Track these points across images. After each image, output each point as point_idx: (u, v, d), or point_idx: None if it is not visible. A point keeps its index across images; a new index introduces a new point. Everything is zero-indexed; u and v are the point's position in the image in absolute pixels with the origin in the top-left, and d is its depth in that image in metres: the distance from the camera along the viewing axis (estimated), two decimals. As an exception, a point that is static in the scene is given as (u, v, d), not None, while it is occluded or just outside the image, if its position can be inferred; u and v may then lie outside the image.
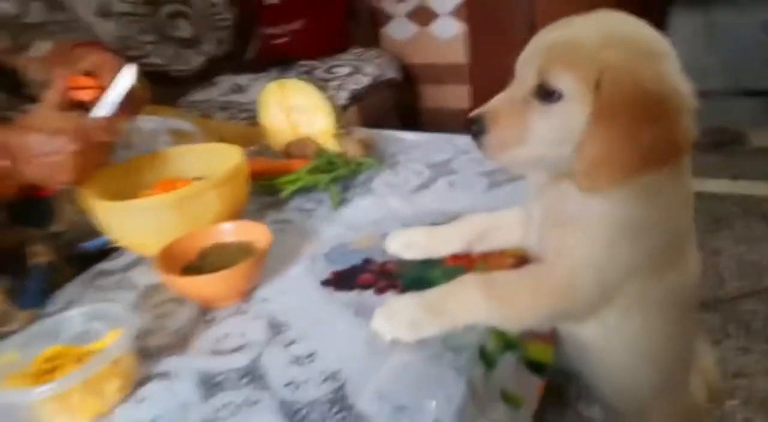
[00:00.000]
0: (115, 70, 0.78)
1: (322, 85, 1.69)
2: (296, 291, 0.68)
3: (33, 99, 0.99)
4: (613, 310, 0.60)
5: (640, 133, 0.48)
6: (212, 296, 0.66)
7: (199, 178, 0.83)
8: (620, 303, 0.60)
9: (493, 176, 0.87)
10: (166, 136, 1.01)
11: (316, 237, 0.79)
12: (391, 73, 2.22)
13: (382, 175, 0.94)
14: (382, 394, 0.51)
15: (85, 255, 0.85)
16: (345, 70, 2.11)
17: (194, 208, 0.73)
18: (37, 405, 0.51)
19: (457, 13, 2.41)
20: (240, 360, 0.58)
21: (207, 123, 1.24)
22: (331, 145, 0.99)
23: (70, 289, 0.77)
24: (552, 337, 0.65)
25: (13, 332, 0.68)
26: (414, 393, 0.51)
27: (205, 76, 2.21)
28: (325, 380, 0.54)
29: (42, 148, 0.69)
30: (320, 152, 0.97)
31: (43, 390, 0.50)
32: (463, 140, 1.02)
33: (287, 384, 0.54)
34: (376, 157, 0.98)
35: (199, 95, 2.09)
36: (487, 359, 0.56)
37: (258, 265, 0.68)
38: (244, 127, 1.51)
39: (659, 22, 2.24)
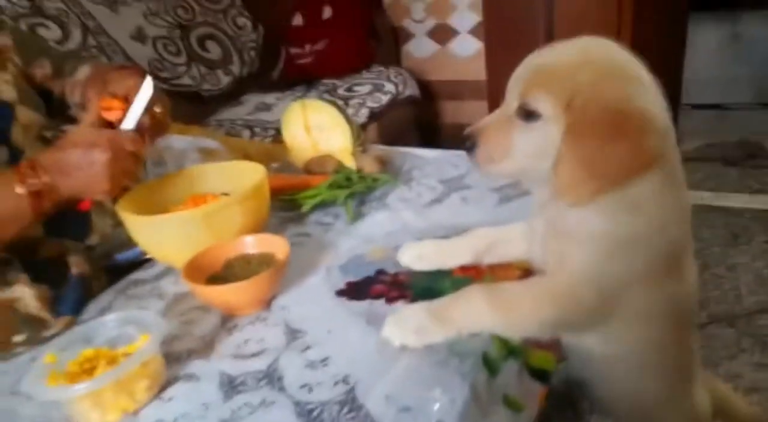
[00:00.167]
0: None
1: (341, 104, 1.75)
2: (313, 301, 0.72)
3: (74, 120, 1.07)
4: (614, 321, 0.63)
5: (606, 150, 0.52)
6: (235, 304, 0.71)
7: (225, 194, 0.88)
8: (620, 314, 0.62)
9: (503, 191, 0.90)
10: (195, 154, 1.07)
11: (332, 250, 0.83)
12: (410, 90, 2.27)
13: (396, 191, 0.98)
14: (390, 396, 0.54)
15: (119, 266, 0.91)
16: (365, 88, 2.17)
17: (219, 222, 0.77)
18: (74, 401, 0.56)
19: (475, 31, 2.46)
20: (259, 364, 0.62)
21: (233, 141, 1.30)
22: (349, 161, 1.03)
23: (105, 297, 0.82)
24: (555, 346, 0.67)
25: (53, 336, 0.74)
26: (419, 396, 0.54)
27: (233, 95, 2.29)
28: (337, 383, 0.57)
29: (78, 161, 0.74)
30: (339, 169, 1.02)
31: (79, 388, 0.55)
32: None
33: (302, 387, 0.57)
34: (391, 173, 1.02)
35: (227, 114, 2.16)
36: (490, 365, 0.59)
37: (277, 276, 0.72)
38: (268, 145, 1.57)
39: (681, 34, 2.24)
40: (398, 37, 2.66)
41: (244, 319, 0.70)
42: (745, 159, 2.19)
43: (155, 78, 0.89)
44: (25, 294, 0.75)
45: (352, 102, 2.06)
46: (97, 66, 1.05)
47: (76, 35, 1.80)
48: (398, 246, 0.77)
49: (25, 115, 0.91)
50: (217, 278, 0.73)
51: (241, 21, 2.40)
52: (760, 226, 1.72)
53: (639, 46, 1.99)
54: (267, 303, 0.72)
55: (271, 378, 0.59)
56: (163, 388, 0.61)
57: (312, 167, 1.07)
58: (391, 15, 2.63)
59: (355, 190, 0.96)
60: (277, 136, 1.57)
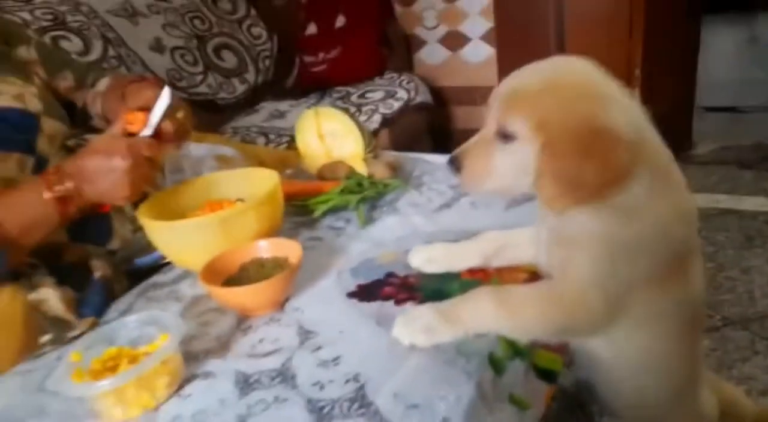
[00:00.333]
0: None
1: (353, 112, 1.77)
2: (325, 302, 0.74)
3: (96, 130, 1.11)
4: (619, 325, 0.64)
5: (579, 166, 0.55)
6: (250, 306, 0.73)
7: (240, 200, 0.91)
8: (625, 317, 0.63)
9: (511, 196, 0.92)
10: (212, 162, 1.10)
11: (344, 254, 0.85)
12: (422, 96, 2.29)
13: (407, 196, 1.00)
14: (398, 394, 0.56)
15: (139, 270, 0.94)
16: (378, 95, 2.20)
17: (235, 228, 0.80)
18: (98, 397, 0.59)
19: (487, 37, 2.47)
20: (273, 363, 0.64)
21: (248, 148, 1.33)
22: (360, 168, 1.06)
23: (126, 300, 0.85)
24: (562, 348, 0.69)
25: (77, 337, 0.77)
26: (427, 394, 0.56)
27: (249, 103, 2.33)
28: (348, 381, 0.59)
29: (99, 168, 0.77)
30: (351, 175, 1.04)
31: (103, 384, 0.58)
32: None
33: (314, 384, 0.60)
34: (402, 178, 1.05)
35: (242, 121, 2.20)
36: (496, 365, 0.61)
37: (290, 279, 0.74)
38: (282, 152, 1.60)
39: (695, 36, 2.24)
40: (411, 44, 2.69)
41: (259, 320, 0.73)
42: (760, 162, 2.17)
43: (173, 87, 0.92)
44: (50, 297, 0.79)
45: (365, 108, 2.09)
46: (116, 78, 1.09)
47: (97, 47, 1.85)
48: (408, 249, 0.79)
49: (50, 125, 0.95)
50: (232, 281, 0.76)
51: (256, 31, 2.44)
52: (775, 229, 1.71)
53: (650, 49, 2.02)
54: (281, 305, 0.75)
55: (285, 376, 0.62)
56: (182, 385, 0.63)
57: (324, 173, 1.09)
58: (403, 23, 2.66)
59: (367, 195, 0.99)
60: (291, 143, 1.60)
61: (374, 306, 0.71)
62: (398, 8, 2.65)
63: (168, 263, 0.92)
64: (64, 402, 0.64)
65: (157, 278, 0.89)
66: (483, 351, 0.61)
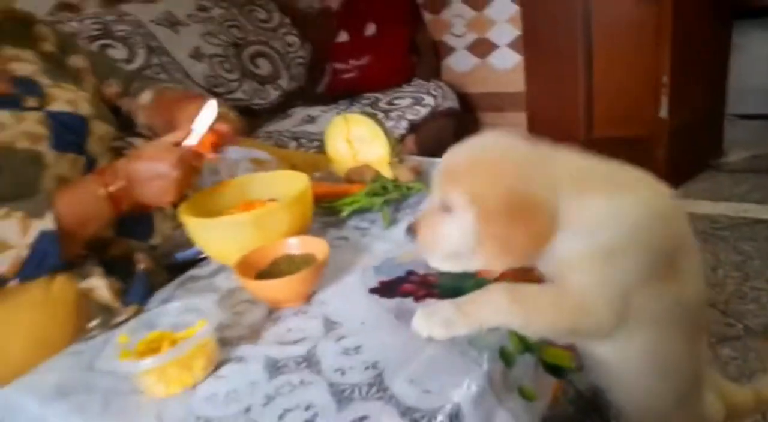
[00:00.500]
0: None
1: (381, 118, 1.82)
2: (348, 297, 0.79)
3: (140, 135, 1.19)
4: (620, 327, 0.67)
5: (509, 232, 0.63)
6: (280, 298, 0.79)
7: (273, 200, 0.97)
8: (626, 320, 0.67)
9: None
10: (246, 164, 1.17)
11: (368, 252, 0.90)
12: (450, 102, 2.33)
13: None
14: (413, 380, 0.61)
15: (178, 264, 1.01)
16: (406, 102, 2.25)
17: (268, 226, 0.86)
18: (142, 375, 0.65)
19: (514, 44, 2.51)
20: (299, 350, 0.69)
21: (280, 152, 1.40)
22: (386, 171, 1.11)
23: (166, 290, 0.92)
24: (572, 346, 0.72)
25: (122, 322, 0.84)
26: (440, 381, 0.60)
27: (281, 108, 2.41)
28: (367, 368, 0.64)
29: (152, 173, 0.85)
30: (376, 178, 1.09)
31: (147, 363, 0.64)
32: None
33: (336, 370, 0.65)
34: (425, 181, 1.09)
35: (275, 126, 2.28)
36: (506, 358, 0.65)
37: (317, 273, 0.80)
38: (312, 156, 1.67)
39: (725, 43, 2.21)
40: (439, 51, 2.73)
41: (288, 311, 0.78)
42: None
43: (211, 93, 0.99)
44: (99, 286, 0.86)
45: (393, 114, 2.14)
46: (160, 92, 1.16)
47: (141, 55, 1.95)
48: (428, 249, 0.83)
49: (99, 128, 1.03)
50: (264, 274, 0.81)
51: (290, 39, 2.53)
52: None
53: (678, 56, 2.02)
54: (308, 298, 0.80)
55: (310, 362, 0.67)
56: (217, 368, 0.69)
57: (352, 176, 1.15)
58: (432, 30, 2.71)
59: (391, 198, 1.03)
60: (321, 147, 1.66)
61: (394, 301, 0.76)
62: (427, 16, 2.70)
63: (205, 258, 0.99)
64: (111, 379, 0.70)
65: (195, 271, 0.96)
66: (495, 346, 0.65)
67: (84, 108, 1.01)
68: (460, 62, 2.70)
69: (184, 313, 0.74)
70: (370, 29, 2.54)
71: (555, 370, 0.69)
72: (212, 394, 0.65)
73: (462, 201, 0.65)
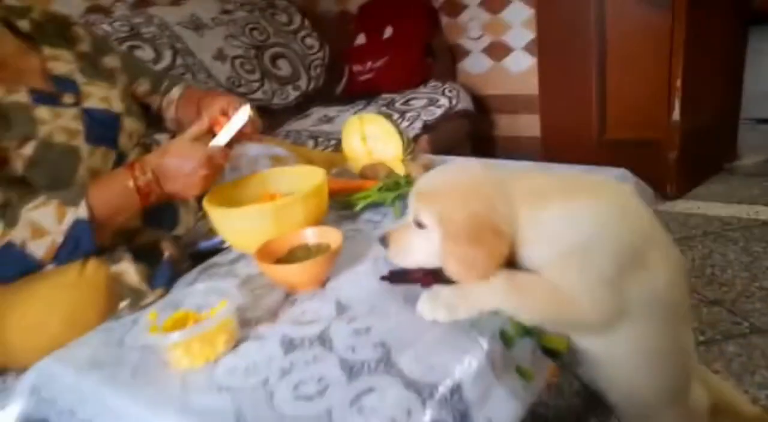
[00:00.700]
0: (239, 108, 1.01)
1: (396, 118, 1.87)
2: (360, 283, 0.84)
3: (167, 131, 1.26)
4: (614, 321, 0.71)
5: (470, 252, 0.69)
6: (296, 282, 0.84)
7: (290, 194, 1.03)
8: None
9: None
10: (266, 160, 1.22)
11: (379, 244, 0.95)
12: (464, 104, 2.37)
13: (440, 194, 1.09)
14: (419, 357, 0.66)
15: (201, 253, 1.07)
16: (421, 102, 2.29)
17: (286, 217, 0.91)
18: (169, 348, 0.71)
19: (529, 47, 2.54)
20: (313, 330, 0.75)
21: (299, 149, 1.45)
22: (399, 168, 1.16)
23: (190, 275, 0.98)
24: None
25: (149, 304, 0.90)
26: (443, 358, 0.65)
27: (300, 108, 2.48)
28: (376, 346, 0.69)
29: (180, 169, 0.91)
30: (390, 174, 1.14)
31: (174, 336, 0.70)
32: (514, 164, 1.15)
33: (347, 348, 0.70)
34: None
35: (294, 125, 2.34)
36: (506, 339, 0.69)
37: (331, 260, 0.85)
38: (329, 153, 1.72)
39: (740, 47, 2.21)
40: (455, 54, 2.78)
41: (303, 295, 0.84)
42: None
43: (233, 93, 1.06)
44: (128, 270, 0.92)
45: (408, 115, 2.18)
46: (189, 89, 1.24)
47: (167, 56, 2.03)
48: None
49: (130, 124, 1.10)
50: (282, 261, 0.87)
51: (310, 41, 2.59)
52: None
53: (692, 59, 2.05)
54: (322, 283, 0.85)
55: (323, 340, 0.72)
56: (237, 344, 0.75)
57: (366, 172, 1.20)
58: (448, 33, 2.75)
59: (403, 193, 1.08)
60: (338, 146, 1.71)
61: (402, 288, 0.81)
62: (444, 19, 2.74)
63: (226, 248, 1.05)
64: (139, 353, 0.76)
65: (217, 259, 1.02)
66: (495, 328, 0.70)
67: (116, 105, 1.08)
68: (475, 64, 2.74)
69: (208, 295, 0.80)
70: (388, 32, 2.60)
71: (552, 353, 0.73)
72: (233, 367, 0.70)
73: (432, 220, 0.73)
